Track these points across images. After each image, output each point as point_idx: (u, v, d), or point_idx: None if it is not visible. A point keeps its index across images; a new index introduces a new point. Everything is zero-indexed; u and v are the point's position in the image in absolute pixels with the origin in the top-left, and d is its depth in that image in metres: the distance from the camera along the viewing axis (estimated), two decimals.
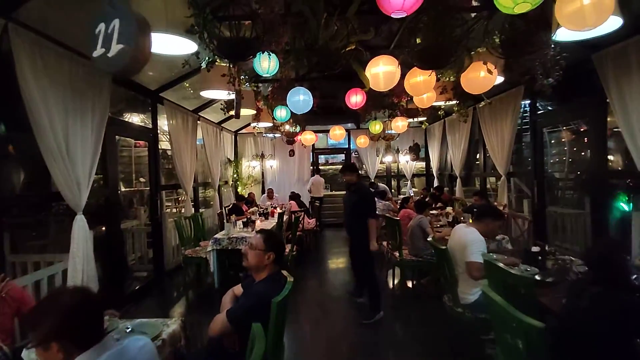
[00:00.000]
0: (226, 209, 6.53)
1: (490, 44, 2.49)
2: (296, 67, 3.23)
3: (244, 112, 4.11)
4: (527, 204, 5.57)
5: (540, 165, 4.94)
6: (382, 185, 8.42)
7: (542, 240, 4.80)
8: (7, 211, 3.66)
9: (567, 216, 5.33)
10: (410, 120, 5.59)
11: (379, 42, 4.13)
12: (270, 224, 5.39)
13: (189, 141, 5.56)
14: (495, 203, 5.45)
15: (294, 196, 7.46)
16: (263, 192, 8.75)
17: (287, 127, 6.34)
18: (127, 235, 5.00)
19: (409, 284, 4.54)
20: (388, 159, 9.35)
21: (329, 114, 7.12)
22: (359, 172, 4.00)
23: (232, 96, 3.14)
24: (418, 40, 2.39)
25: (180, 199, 7.62)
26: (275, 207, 6.63)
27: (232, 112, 3.58)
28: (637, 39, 2.84)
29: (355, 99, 3.93)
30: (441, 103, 4.01)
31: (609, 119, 3.69)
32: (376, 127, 6.17)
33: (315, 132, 7.39)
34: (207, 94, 3.46)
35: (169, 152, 5.87)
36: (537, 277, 2.27)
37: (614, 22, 1.75)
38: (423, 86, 2.99)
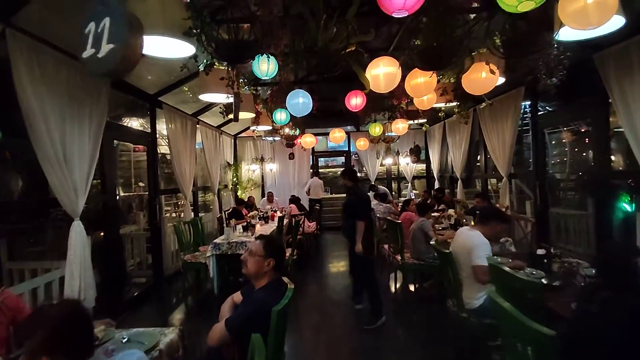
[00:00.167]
0: (226, 213, 6.48)
1: (492, 44, 2.47)
2: (295, 69, 3.20)
3: (243, 115, 4.08)
4: (529, 205, 5.53)
5: (542, 166, 4.90)
6: (382, 188, 8.38)
7: (545, 242, 4.75)
8: (5, 217, 3.63)
9: (569, 217, 5.28)
10: (411, 122, 5.56)
11: (379, 45, 4.11)
12: (271, 227, 5.34)
13: (188, 145, 5.53)
14: (497, 205, 5.41)
15: (294, 199, 7.41)
16: (263, 196, 8.70)
17: (286, 130, 6.31)
18: (126, 240, 4.95)
19: (411, 288, 4.49)
20: (388, 161, 9.32)
21: (329, 116, 7.09)
22: (357, 175, 4.04)
23: (231, 99, 3.11)
24: (418, 42, 2.37)
25: (179, 203, 7.57)
26: (275, 211, 6.57)
27: (231, 116, 3.55)
28: (639, 38, 2.81)
29: (355, 101, 3.90)
30: (441, 105, 3.97)
31: (610, 119, 3.66)
32: (376, 129, 6.14)
33: (315, 135, 7.36)
34: (206, 97, 3.43)
35: (168, 157, 5.84)
36: (544, 281, 2.22)
37: (617, 21, 1.72)
38: (424, 87, 2.96)
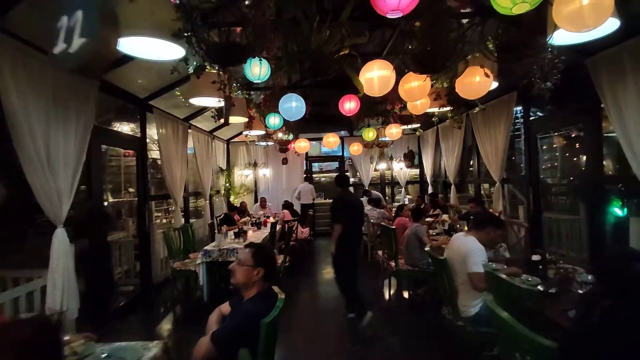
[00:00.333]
0: (217, 219, 6.37)
1: (485, 48, 2.46)
2: (289, 72, 3.16)
3: (236, 119, 4.02)
4: (522, 210, 5.54)
5: (534, 171, 4.92)
6: (375, 193, 8.35)
7: (539, 247, 4.75)
8: None
9: (562, 222, 5.30)
10: (404, 127, 5.55)
11: (372, 49, 4.10)
12: (263, 234, 5.26)
13: (179, 150, 5.43)
14: (491, 210, 5.41)
15: (287, 205, 7.33)
16: (256, 202, 8.60)
17: (279, 134, 6.26)
18: (114, 247, 4.82)
19: (405, 294, 4.44)
20: (382, 166, 9.31)
21: (322, 121, 7.07)
22: (346, 180, 4.15)
23: (223, 103, 3.05)
24: (412, 46, 2.35)
25: (170, 209, 7.43)
26: (268, 217, 6.49)
27: (223, 120, 3.49)
28: (631, 43, 2.83)
29: (349, 105, 3.87)
30: (435, 109, 3.97)
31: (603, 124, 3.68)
32: (370, 134, 6.12)
33: (309, 140, 7.31)
34: (197, 101, 3.35)
35: (159, 162, 5.73)
36: (540, 288, 2.19)
37: (612, 24, 1.71)
38: (417, 92, 2.94)
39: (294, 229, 5.61)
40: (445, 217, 5.58)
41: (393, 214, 6.23)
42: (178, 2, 2.09)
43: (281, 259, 4.68)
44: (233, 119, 3.94)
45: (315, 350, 3.23)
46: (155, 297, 4.70)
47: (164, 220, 7.25)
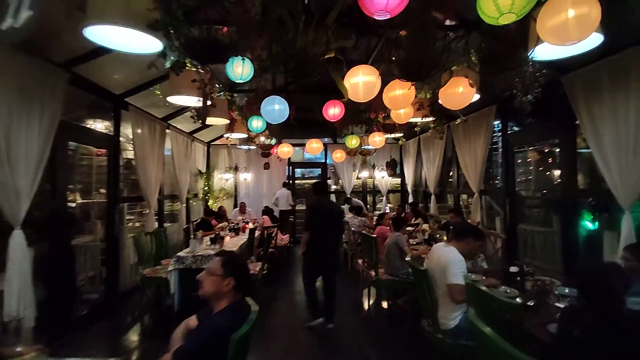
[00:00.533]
0: (194, 223, 6.13)
1: (470, 60, 2.48)
2: (273, 72, 3.08)
3: (216, 120, 3.89)
4: (498, 221, 5.65)
5: (511, 183, 5.03)
6: (356, 201, 8.33)
7: (515, 258, 4.84)
8: None
9: (536, 234, 5.44)
10: (387, 135, 5.57)
11: (357, 57, 4.09)
12: (241, 240, 5.09)
13: (155, 150, 5.21)
14: (469, 220, 5.48)
15: (268, 211, 7.17)
16: (236, 206, 8.38)
17: (262, 138, 6.14)
18: (80, 252, 4.50)
19: (385, 304, 4.38)
20: (364, 174, 9.33)
21: (306, 127, 7.00)
22: (322, 188, 4.22)
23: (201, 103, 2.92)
24: (396, 56, 2.33)
25: (145, 212, 7.10)
26: (247, 222, 6.31)
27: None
28: (608, 61, 2.93)
29: (334, 111, 3.83)
30: (418, 119, 3.99)
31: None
32: (353, 141, 6.11)
33: (292, 145, 7.22)
34: (175, 99, 3.20)
35: (134, 162, 5.47)
36: (519, 300, 2.18)
37: (594, 39, 1.74)
38: (402, 100, 2.93)
39: (273, 235, 5.47)
40: (425, 226, 5.60)
41: (374, 223, 6.21)
42: None
43: (259, 266, 4.53)
44: (212, 120, 3.81)
45: None
46: (122, 306, 4.41)
47: (137, 224, 6.92)
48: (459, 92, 2.70)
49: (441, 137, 4.46)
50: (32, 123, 2.93)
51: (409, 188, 8.64)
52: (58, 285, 3.51)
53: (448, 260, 2.43)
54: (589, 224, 4.90)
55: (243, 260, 1.75)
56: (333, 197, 10.15)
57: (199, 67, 2.70)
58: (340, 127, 5.62)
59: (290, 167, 9.63)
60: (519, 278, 2.59)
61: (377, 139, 5.45)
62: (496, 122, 5.46)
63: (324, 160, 9.59)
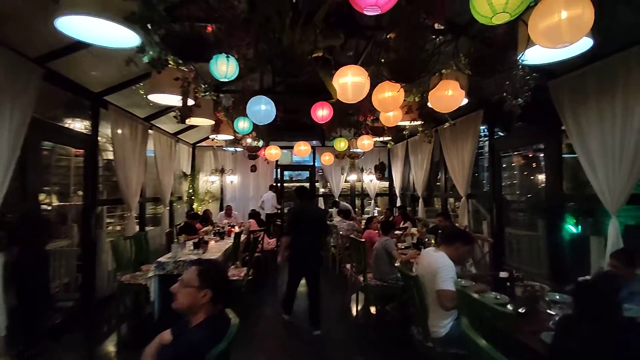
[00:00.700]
0: (177, 227, 5.94)
1: (459, 63, 2.44)
2: (260, 71, 2.99)
3: (200, 121, 3.75)
4: (485, 225, 5.68)
5: (498, 187, 5.06)
6: (344, 204, 8.27)
7: (502, 263, 4.85)
8: None
9: (522, 238, 5.48)
10: (376, 138, 5.54)
11: (346, 60, 4.04)
12: (226, 244, 4.93)
13: (136, 151, 5.02)
14: (457, 224, 5.48)
15: (254, 214, 7.02)
16: (221, 209, 8.19)
17: (249, 140, 6.01)
18: (55, 257, 4.27)
19: (373, 310, 4.31)
20: (352, 177, 9.30)
21: (294, 129, 6.92)
22: (303, 192, 4.23)
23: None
24: (385, 58, 2.28)
25: (126, 215, 6.85)
26: (233, 226, 6.15)
27: (188, 120, 3.24)
28: (594, 66, 2.96)
29: (322, 112, 3.75)
30: (406, 123, 3.96)
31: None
32: (341, 144, 6.06)
33: (280, 147, 7.11)
34: (156, 98, 3.05)
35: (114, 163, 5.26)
36: (509, 306, 2.14)
37: (585, 43, 1.72)
38: (391, 102, 2.88)
39: (259, 239, 5.34)
40: (413, 230, 5.58)
41: (363, 226, 6.15)
42: None
43: (244, 271, 4.39)
44: (197, 121, 3.67)
45: None
46: (98, 314, 4.19)
47: (118, 227, 6.66)
48: (449, 95, 2.67)
49: (429, 140, 4.44)
50: (0, 120, 2.75)
51: (397, 191, 8.64)
52: (30, 293, 3.31)
53: (437, 265, 2.38)
54: (572, 227, 4.98)
55: (221, 269, 1.63)
56: (321, 201, 10.07)
57: (179, 64, 2.58)
58: (328, 130, 5.56)
59: (279, 170, 9.51)
60: (508, 284, 2.56)
61: (365, 142, 5.41)
62: (483, 127, 5.50)
63: (312, 163, 9.51)
